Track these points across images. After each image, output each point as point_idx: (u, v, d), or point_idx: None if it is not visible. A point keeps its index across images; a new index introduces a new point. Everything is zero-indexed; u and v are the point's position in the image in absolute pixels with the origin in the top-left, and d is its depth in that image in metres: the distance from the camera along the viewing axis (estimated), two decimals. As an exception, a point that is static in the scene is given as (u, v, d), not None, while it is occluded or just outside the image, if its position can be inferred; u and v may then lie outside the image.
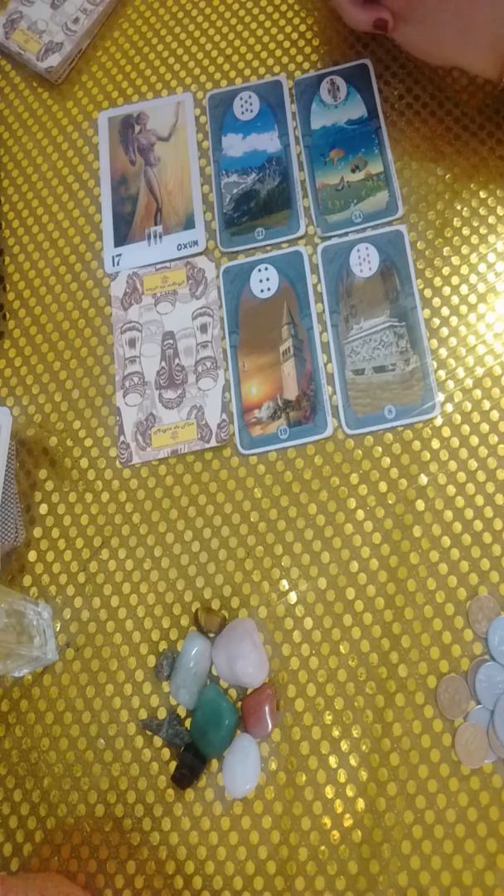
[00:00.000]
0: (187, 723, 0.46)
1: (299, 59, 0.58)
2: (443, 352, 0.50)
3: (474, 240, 0.52)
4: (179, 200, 0.56)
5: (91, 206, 0.58)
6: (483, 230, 0.52)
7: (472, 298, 0.51)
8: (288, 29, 0.59)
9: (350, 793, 0.44)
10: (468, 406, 0.49)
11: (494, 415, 0.48)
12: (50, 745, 0.47)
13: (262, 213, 0.55)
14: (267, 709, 0.44)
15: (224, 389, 0.51)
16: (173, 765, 0.45)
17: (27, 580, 0.50)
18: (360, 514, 0.48)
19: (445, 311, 0.51)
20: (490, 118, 0.54)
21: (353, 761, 0.44)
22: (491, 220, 0.52)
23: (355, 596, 0.46)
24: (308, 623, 0.46)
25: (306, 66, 0.58)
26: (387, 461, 0.49)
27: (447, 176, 0.54)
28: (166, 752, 0.46)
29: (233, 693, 0.46)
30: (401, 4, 0.47)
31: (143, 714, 0.46)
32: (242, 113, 0.57)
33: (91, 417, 0.53)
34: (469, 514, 0.47)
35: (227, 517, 0.49)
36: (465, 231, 0.52)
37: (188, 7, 0.61)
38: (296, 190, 0.55)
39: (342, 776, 0.44)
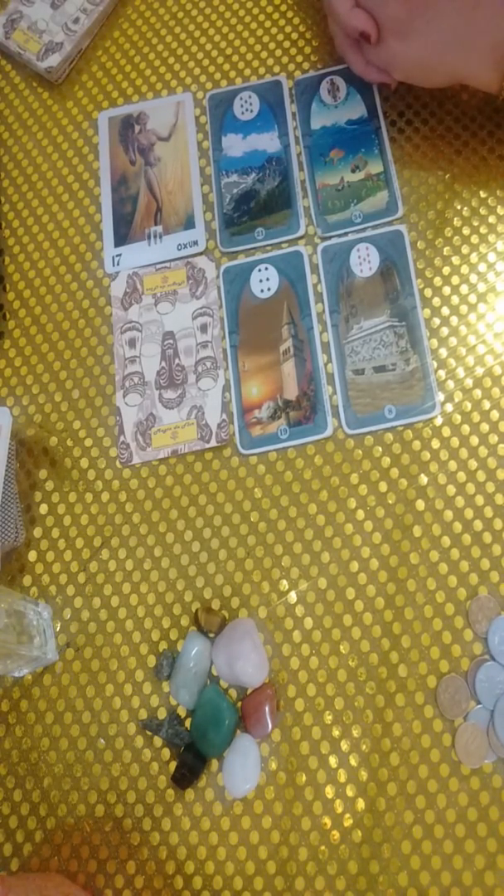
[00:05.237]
0: (187, 723, 0.46)
1: (299, 59, 0.58)
2: (443, 351, 0.50)
3: (474, 239, 0.52)
4: (179, 200, 0.56)
5: (91, 206, 0.58)
6: (483, 229, 0.52)
7: (473, 298, 0.51)
8: (288, 29, 0.59)
9: (350, 793, 0.44)
10: (468, 406, 0.49)
11: (494, 414, 0.48)
12: (50, 745, 0.47)
13: (262, 213, 0.55)
14: (267, 709, 0.44)
15: (224, 389, 0.51)
16: (173, 765, 0.45)
17: (27, 580, 0.50)
18: (361, 514, 0.48)
19: (446, 311, 0.51)
20: (490, 117, 0.54)
21: (353, 761, 0.44)
22: (491, 219, 0.52)
23: (355, 596, 0.46)
24: (308, 623, 0.46)
25: (306, 66, 0.58)
26: (387, 461, 0.49)
27: (447, 175, 0.54)
28: (166, 752, 0.46)
29: (233, 693, 0.46)
30: (399, 15, 0.47)
31: (143, 714, 0.46)
32: (242, 113, 0.57)
33: (91, 417, 0.53)
34: (469, 513, 0.47)
35: (227, 517, 0.49)
36: (466, 230, 0.52)
37: (188, 7, 0.61)
38: (296, 190, 0.55)
39: (342, 776, 0.44)
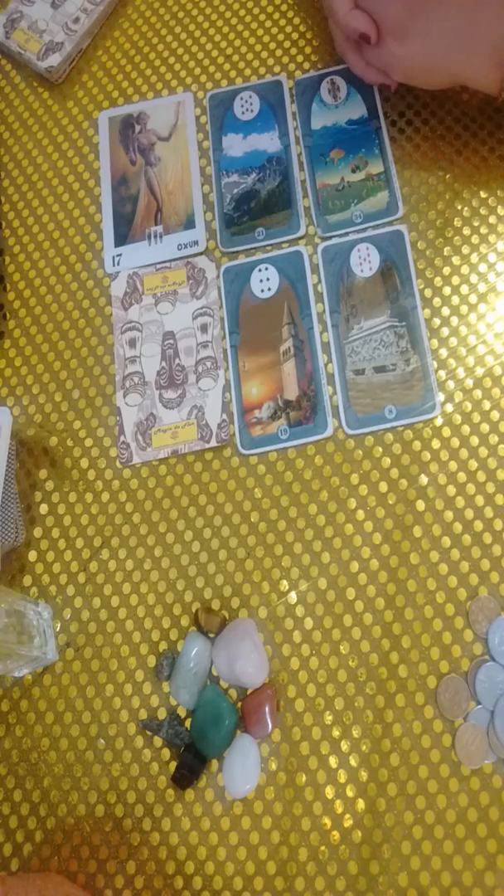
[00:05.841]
0: (187, 723, 0.46)
1: (300, 58, 0.58)
2: (443, 352, 0.50)
3: (475, 239, 0.52)
4: (180, 200, 0.56)
5: (91, 205, 0.58)
6: (484, 230, 0.52)
7: (473, 298, 0.51)
8: (288, 29, 0.59)
9: (350, 793, 0.44)
10: (468, 406, 0.49)
11: (495, 415, 0.48)
12: (50, 745, 0.47)
13: (263, 213, 0.55)
14: (267, 709, 0.44)
15: (224, 389, 0.51)
16: (173, 765, 0.45)
17: (27, 580, 0.50)
18: (361, 515, 0.48)
19: (446, 311, 0.51)
20: (491, 117, 0.54)
21: (353, 762, 0.44)
22: (492, 219, 0.52)
23: (356, 596, 0.46)
24: (308, 623, 0.46)
25: (306, 65, 0.58)
26: (387, 461, 0.49)
27: (448, 175, 0.54)
28: (166, 753, 0.46)
29: (233, 693, 0.46)
30: (399, 16, 0.46)
31: (143, 714, 0.46)
32: (243, 113, 0.57)
33: (91, 417, 0.53)
34: (469, 514, 0.47)
35: (227, 517, 0.49)
36: (466, 231, 0.52)
37: (188, 7, 0.61)
38: (296, 190, 0.55)
39: (342, 776, 0.44)
